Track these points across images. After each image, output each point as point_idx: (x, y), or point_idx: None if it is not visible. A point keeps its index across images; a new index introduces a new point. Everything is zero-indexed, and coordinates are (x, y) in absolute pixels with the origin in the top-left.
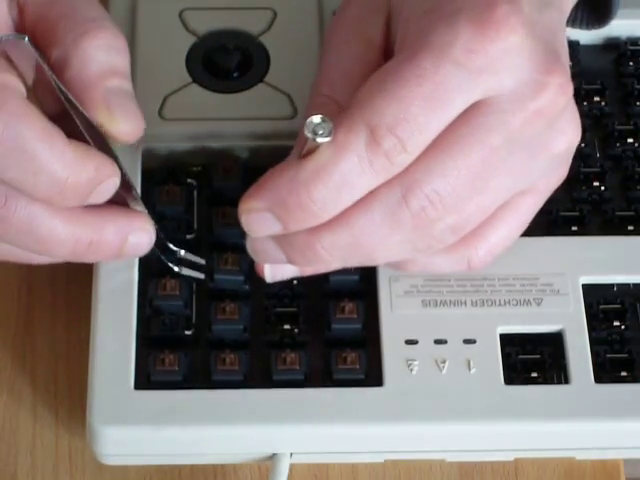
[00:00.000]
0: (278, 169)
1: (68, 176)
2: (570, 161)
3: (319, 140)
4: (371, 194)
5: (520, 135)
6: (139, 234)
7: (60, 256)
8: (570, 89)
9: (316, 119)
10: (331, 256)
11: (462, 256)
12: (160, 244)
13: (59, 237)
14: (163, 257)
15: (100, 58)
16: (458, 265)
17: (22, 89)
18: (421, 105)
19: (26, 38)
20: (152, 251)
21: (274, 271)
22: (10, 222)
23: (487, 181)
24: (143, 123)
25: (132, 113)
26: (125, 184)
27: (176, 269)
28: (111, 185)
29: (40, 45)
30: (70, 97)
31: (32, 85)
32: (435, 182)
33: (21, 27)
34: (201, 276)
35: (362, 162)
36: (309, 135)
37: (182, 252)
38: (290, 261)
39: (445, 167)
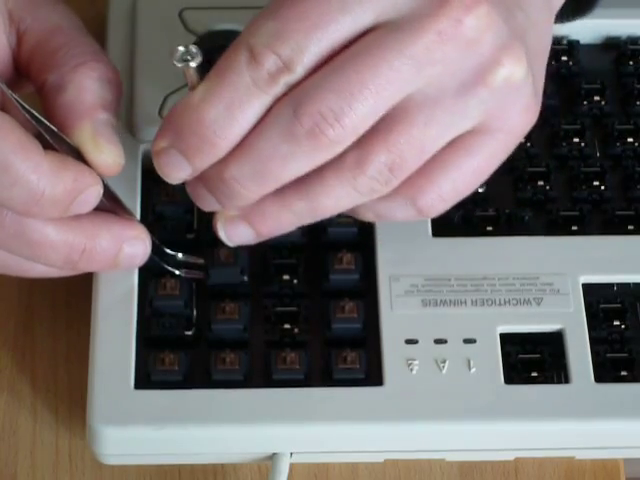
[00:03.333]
0: (176, 105)
1: (44, 188)
2: (533, 98)
3: (191, 65)
4: (265, 115)
5: (429, 58)
6: (134, 243)
7: (54, 263)
8: (480, 9)
9: (181, 48)
10: (245, 188)
11: (408, 198)
12: (157, 251)
13: (52, 243)
14: (162, 263)
15: (95, 89)
16: (406, 209)
17: None
18: (300, 24)
19: None
20: (151, 259)
21: (229, 234)
22: (2, 226)
23: (406, 111)
24: (123, 160)
25: (116, 147)
26: (109, 196)
27: (177, 272)
28: (93, 194)
29: (35, 71)
30: (42, 119)
31: None
32: (327, 97)
33: (18, 53)
34: (202, 276)
35: (245, 80)
36: (177, 64)
37: (180, 255)
38: (218, 201)
39: (337, 82)
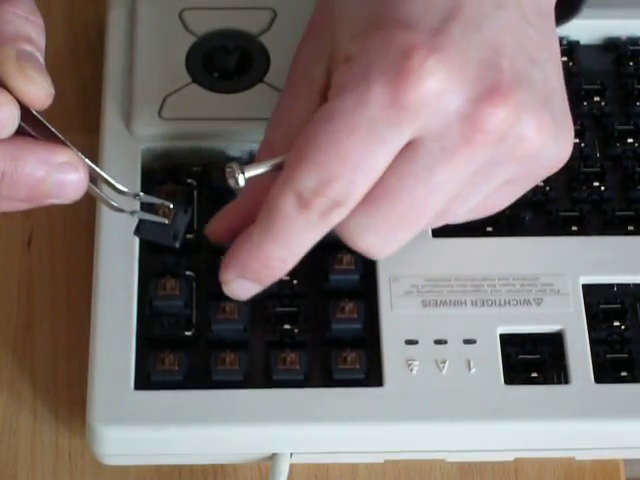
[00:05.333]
0: (236, 240)
1: None
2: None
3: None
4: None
5: (456, 181)
6: (65, 169)
7: None
8: (512, 101)
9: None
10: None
11: None
12: (106, 184)
13: None
14: (111, 200)
15: (18, 24)
16: None
17: None
18: (343, 166)
19: None
20: (101, 197)
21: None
22: None
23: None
24: (52, 90)
25: (44, 76)
26: (38, 124)
27: (127, 209)
28: (4, 115)
29: None
30: None
31: None
32: (370, 240)
33: None
34: (164, 220)
35: (299, 224)
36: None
37: (141, 194)
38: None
39: (380, 219)
